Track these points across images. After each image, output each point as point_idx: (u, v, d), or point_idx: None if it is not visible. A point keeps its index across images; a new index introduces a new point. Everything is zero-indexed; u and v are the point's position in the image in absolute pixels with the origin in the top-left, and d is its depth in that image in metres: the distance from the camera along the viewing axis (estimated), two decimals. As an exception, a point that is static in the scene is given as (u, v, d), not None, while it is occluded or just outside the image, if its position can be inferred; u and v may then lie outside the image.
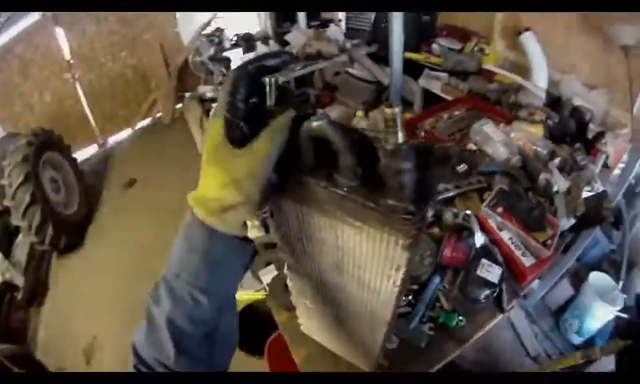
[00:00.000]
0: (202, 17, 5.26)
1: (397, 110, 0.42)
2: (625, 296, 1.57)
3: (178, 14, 5.28)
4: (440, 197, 1.67)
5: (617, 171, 1.96)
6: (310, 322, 1.01)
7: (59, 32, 4.57)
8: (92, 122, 5.10)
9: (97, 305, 3.06)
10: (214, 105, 3.20)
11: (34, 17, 4.27)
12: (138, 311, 2.07)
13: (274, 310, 1.49)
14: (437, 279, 1.41)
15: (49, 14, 4.34)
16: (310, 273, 0.74)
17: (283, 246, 0.71)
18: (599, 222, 1.59)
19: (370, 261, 0.58)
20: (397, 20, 2.74)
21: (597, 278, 1.63)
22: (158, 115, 5.55)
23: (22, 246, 3.37)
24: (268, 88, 0.52)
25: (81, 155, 4.45)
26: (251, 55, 4.14)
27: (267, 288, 1.53)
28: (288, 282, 0.85)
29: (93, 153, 5.16)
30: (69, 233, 3.52)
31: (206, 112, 3.47)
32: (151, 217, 3.80)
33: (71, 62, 4.73)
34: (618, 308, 1.52)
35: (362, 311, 0.74)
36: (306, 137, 0.50)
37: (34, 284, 3.30)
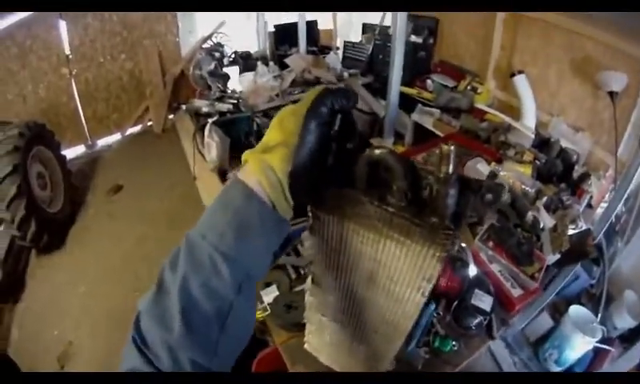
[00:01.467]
0: (202, 29, 5.35)
1: (452, 147, 0.51)
2: (603, 328, 1.66)
3: (180, 24, 5.33)
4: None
5: (599, 210, 2.08)
6: (320, 339, 1.04)
7: (62, 25, 4.51)
8: (83, 121, 5.03)
9: (74, 309, 3.00)
10: (209, 120, 3.23)
11: (38, 5, 4.23)
12: (116, 320, 2.11)
13: (273, 330, 1.52)
14: (432, 306, 1.47)
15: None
16: (338, 286, 0.79)
17: (318, 260, 0.76)
18: (583, 258, 1.69)
19: (404, 273, 0.65)
20: (398, 53, 2.85)
21: (576, 310, 1.72)
22: (149, 123, 5.53)
23: (1, 239, 3.26)
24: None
25: (68, 154, 4.34)
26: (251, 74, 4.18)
27: (269, 307, 1.56)
28: (307, 296, 0.89)
29: (80, 153, 5.09)
30: (51, 231, 3.45)
31: (201, 127, 3.45)
32: (135, 226, 3.77)
33: (70, 57, 4.68)
34: (597, 339, 1.61)
35: (383, 323, 0.79)
36: (365, 162, 0.59)
37: (11, 279, 3.21)
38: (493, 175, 2.00)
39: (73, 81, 4.79)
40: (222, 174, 3.21)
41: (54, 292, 3.16)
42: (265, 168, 0.53)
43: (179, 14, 5.26)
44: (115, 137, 5.40)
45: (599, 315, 1.79)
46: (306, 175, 0.55)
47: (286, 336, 1.46)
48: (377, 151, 0.58)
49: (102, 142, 5.30)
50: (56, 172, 3.86)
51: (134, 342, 0.49)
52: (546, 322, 1.96)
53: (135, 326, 0.50)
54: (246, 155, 0.56)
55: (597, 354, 1.77)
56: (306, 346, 1.11)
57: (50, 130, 3.88)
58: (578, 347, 1.68)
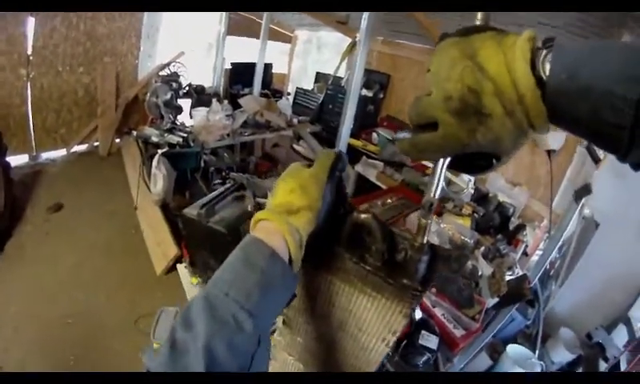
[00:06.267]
0: (161, 56, 5.35)
1: (429, 221, 0.61)
2: (542, 363, 1.83)
3: (142, 47, 5.28)
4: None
5: (534, 258, 2.31)
6: (282, 378, 1.09)
7: (30, 22, 4.28)
8: (32, 130, 4.76)
9: (4, 330, 2.71)
10: (158, 150, 3.20)
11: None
12: (50, 347, 2.26)
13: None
14: (381, 347, 1.56)
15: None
16: (310, 329, 0.85)
17: (293, 304, 0.82)
18: (520, 300, 1.86)
19: (372, 324, 0.73)
20: (351, 105, 2.94)
21: (514, 349, 1.88)
22: (96, 144, 5.36)
23: None
24: None
25: (11, 162, 3.98)
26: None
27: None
28: (276, 335, 0.94)
29: (23, 162, 4.78)
30: None
31: (149, 157, 3.37)
32: (72, 249, 3.57)
33: (31, 58, 4.45)
34: (536, 373, 1.77)
35: (347, 368, 0.85)
36: (351, 223, 0.68)
37: None
38: (462, 246, 2.17)
39: (29, 84, 4.56)
40: (164, 207, 3.16)
41: (-19, 309, 2.88)
42: (292, 230, 0.58)
43: (143, 35, 5.22)
44: (60, 152, 5.16)
45: (536, 352, 1.96)
46: (318, 235, 0.63)
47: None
48: (362, 215, 0.67)
49: (46, 155, 5.04)
50: (-1, 178, 3.56)
51: None
52: (484, 361, 2.11)
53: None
54: (264, 215, 0.60)
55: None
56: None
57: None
58: (517, 382, 1.83)
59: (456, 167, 0.57)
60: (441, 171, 0.57)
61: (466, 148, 0.49)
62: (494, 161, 0.53)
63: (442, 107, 0.48)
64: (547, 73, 0.43)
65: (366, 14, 2.62)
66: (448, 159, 0.55)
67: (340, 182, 0.70)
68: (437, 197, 0.59)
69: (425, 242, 0.62)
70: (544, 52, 0.44)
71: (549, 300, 2.19)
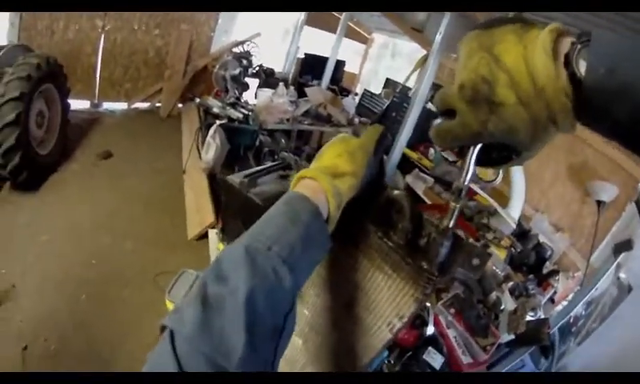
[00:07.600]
0: (237, 33, 5.51)
1: (458, 205, 0.61)
2: None
3: (220, 20, 5.45)
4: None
5: (559, 307, 2.22)
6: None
7: None
8: (97, 79, 5.03)
9: (29, 255, 2.85)
10: (217, 121, 3.30)
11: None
12: (67, 282, 2.44)
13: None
14: (385, 353, 1.54)
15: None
16: (317, 302, 0.84)
17: (313, 273, 0.82)
18: (536, 343, 1.80)
19: (381, 305, 0.72)
20: (413, 115, 2.94)
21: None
22: (157, 105, 5.57)
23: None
24: None
25: (72, 104, 4.19)
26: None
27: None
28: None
29: (84, 108, 5.06)
30: (32, 171, 3.35)
31: (207, 125, 3.46)
32: (113, 196, 3.71)
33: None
34: None
35: (345, 351, 0.81)
36: (384, 198, 0.70)
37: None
38: (484, 245, 2.14)
39: (102, 36, 4.81)
40: (211, 177, 3.23)
41: (14, 230, 3.04)
42: (336, 193, 0.59)
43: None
44: (121, 105, 5.41)
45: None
46: (351, 205, 0.65)
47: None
48: (396, 191, 0.69)
49: (107, 106, 5.31)
50: (56, 116, 3.80)
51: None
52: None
53: (173, 349, 0.41)
54: (311, 173, 0.61)
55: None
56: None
57: (65, 73, 3.86)
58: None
59: (481, 163, 0.59)
60: (470, 159, 0.58)
61: (480, 137, 0.50)
62: (514, 156, 0.53)
63: (457, 96, 0.50)
64: (582, 68, 0.41)
65: (442, 27, 2.59)
66: (478, 147, 0.57)
67: (382, 158, 0.72)
68: (466, 183, 0.60)
69: (450, 225, 0.62)
70: (578, 46, 0.42)
71: (564, 355, 2.09)
